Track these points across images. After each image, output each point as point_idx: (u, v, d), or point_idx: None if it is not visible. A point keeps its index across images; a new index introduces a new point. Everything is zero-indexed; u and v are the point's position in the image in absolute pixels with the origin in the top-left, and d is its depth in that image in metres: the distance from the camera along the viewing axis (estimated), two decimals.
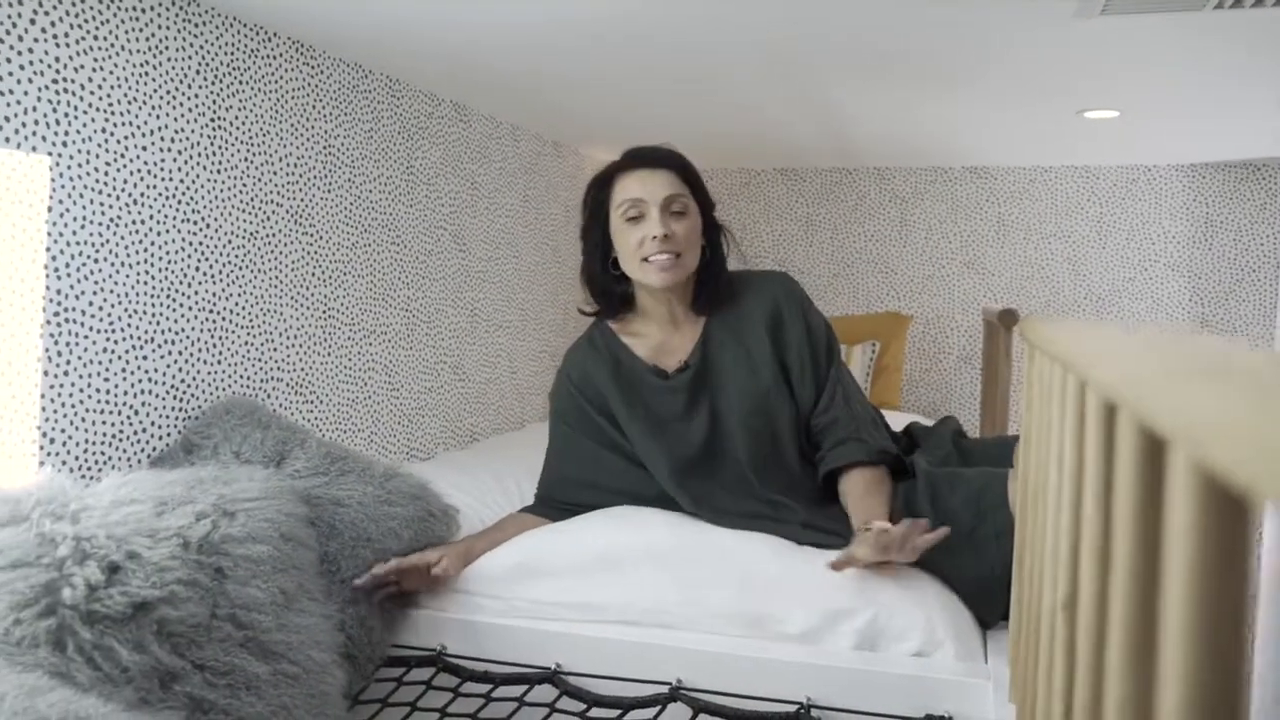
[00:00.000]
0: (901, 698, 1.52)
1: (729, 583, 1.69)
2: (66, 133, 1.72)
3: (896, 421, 2.32)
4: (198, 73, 2.01)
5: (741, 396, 1.91)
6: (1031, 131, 3.49)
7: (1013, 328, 3.01)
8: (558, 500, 2.03)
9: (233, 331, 2.12)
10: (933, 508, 1.77)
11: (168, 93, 1.94)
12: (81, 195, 1.75)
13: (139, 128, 1.87)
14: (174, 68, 1.95)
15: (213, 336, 2.06)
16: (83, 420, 1.77)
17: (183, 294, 1.98)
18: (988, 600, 1.71)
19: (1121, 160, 4.20)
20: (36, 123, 1.66)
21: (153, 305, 1.91)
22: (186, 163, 1.99)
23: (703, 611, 1.68)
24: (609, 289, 1.97)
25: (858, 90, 2.84)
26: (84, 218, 1.76)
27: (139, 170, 1.87)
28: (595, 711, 1.58)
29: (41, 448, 1.69)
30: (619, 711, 1.56)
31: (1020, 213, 4.41)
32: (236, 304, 2.13)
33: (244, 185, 2.15)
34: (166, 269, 1.94)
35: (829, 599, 1.65)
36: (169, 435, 1.95)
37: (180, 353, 1.98)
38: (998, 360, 3.20)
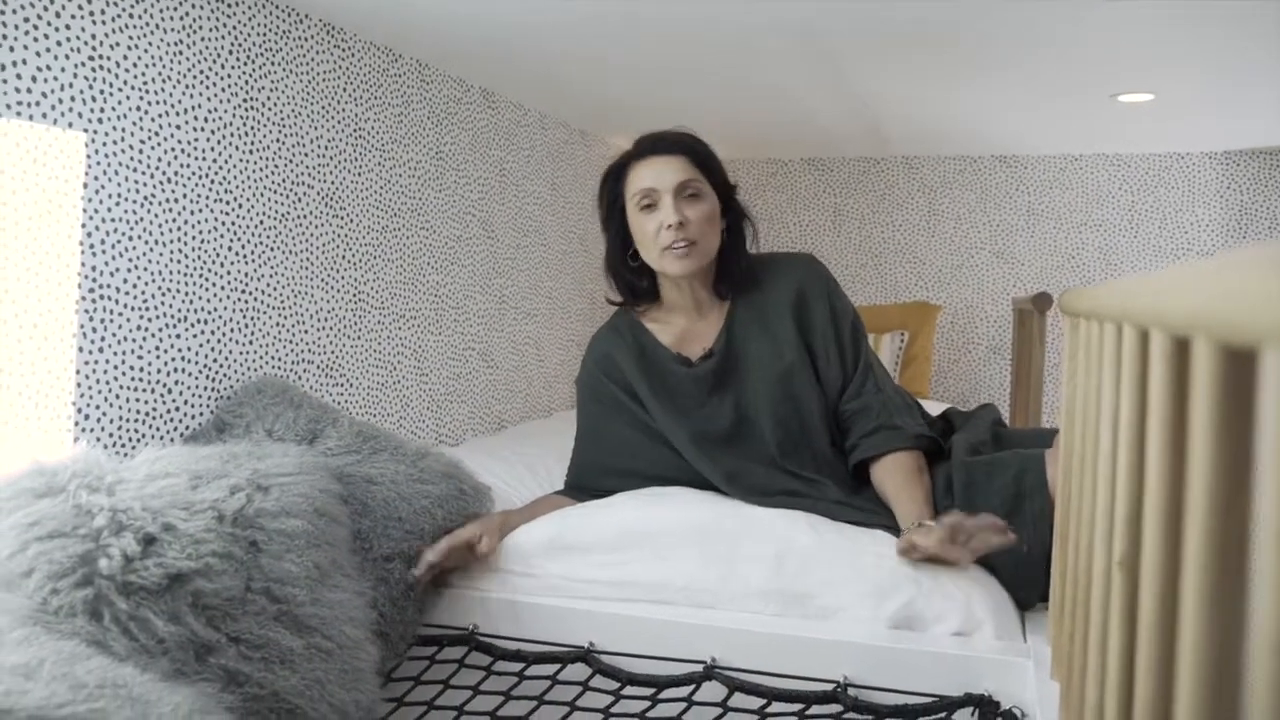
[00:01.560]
0: (940, 677, 1.50)
1: (765, 560, 1.67)
2: (102, 109, 1.72)
3: (930, 410, 2.29)
4: (230, 53, 2.01)
5: (766, 382, 1.88)
6: (1064, 117, 3.45)
7: (1047, 311, 2.98)
8: (588, 486, 2.02)
9: (264, 312, 2.12)
10: (968, 496, 1.75)
11: (201, 72, 1.94)
12: (116, 172, 1.76)
13: (172, 106, 1.87)
14: (207, 47, 1.95)
15: (244, 317, 2.07)
16: (116, 397, 1.77)
17: (215, 274, 1.99)
18: (1025, 582, 1.69)
19: (1154, 148, 4.16)
20: (73, 99, 1.67)
21: (185, 284, 1.91)
22: (219, 142, 1.99)
23: (738, 589, 1.67)
24: (632, 280, 1.95)
25: (888, 75, 2.82)
26: (118, 195, 1.76)
27: (172, 149, 1.88)
28: (629, 690, 1.56)
29: (76, 423, 1.70)
30: (653, 690, 1.55)
31: (1050, 202, 4.37)
32: (268, 285, 2.13)
33: (275, 166, 2.15)
34: (199, 248, 1.94)
35: (866, 578, 1.63)
36: (201, 414, 1.95)
37: (212, 332, 1.98)
38: (1030, 347, 3.17)
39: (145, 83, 1.81)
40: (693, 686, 1.53)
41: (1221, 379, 0.49)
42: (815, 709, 1.40)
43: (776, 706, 1.47)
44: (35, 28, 1.59)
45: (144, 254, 1.82)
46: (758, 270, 1.96)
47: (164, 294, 1.87)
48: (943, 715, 1.41)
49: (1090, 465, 1.03)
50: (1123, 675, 0.78)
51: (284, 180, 2.18)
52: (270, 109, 2.13)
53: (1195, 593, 0.52)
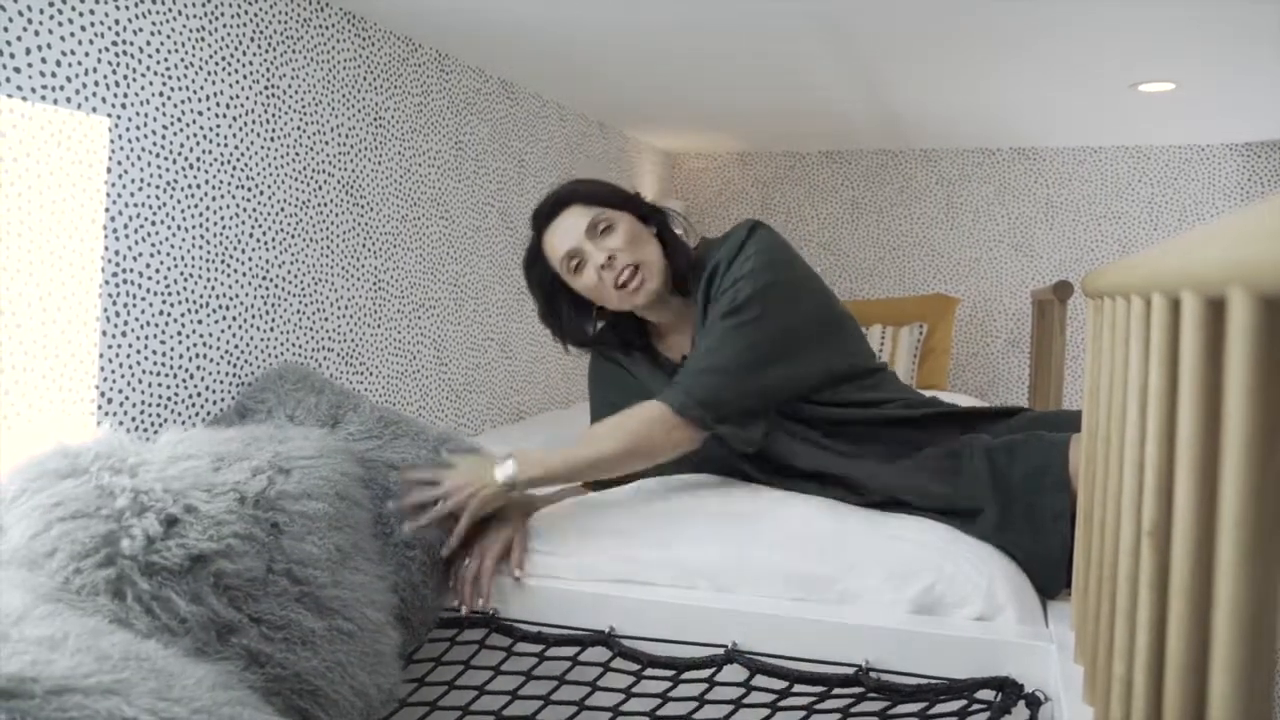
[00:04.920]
0: (962, 661, 1.49)
1: (785, 545, 1.67)
2: (125, 95, 1.73)
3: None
4: (252, 40, 2.02)
5: None
6: (1084, 108, 3.43)
7: (1067, 300, 2.96)
8: None
9: (285, 300, 2.13)
10: (993, 480, 1.73)
11: (223, 59, 1.95)
12: (140, 158, 1.77)
13: (195, 92, 1.88)
14: (229, 34, 1.96)
15: (265, 304, 2.07)
16: (139, 381, 1.78)
17: (237, 260, 1.99)
18: (1047, 574, 1.68)
19: (1174, 140, 4.13)
20: (97, 84, 1.68)
21: (207, 270, 1.92)
22: (240, 129, 2.00)
23: (759, 573, 1.66)
24: (609, 336, 1.94)
25: (906, 66, 2.81)
26: (142, 180, 1.77)
27: (195, 135, 1.88)
28: (650, 672, 1.56)
29: (99, 407, 1.71)
30: (674, 672, 1.55)
31: (1069, 194, 4.35)
32: (289, 272, 2.14)
33: (296, 154, 2.16)
34: (221, 234, 1.95)
35: (887, 562, 1.62)
36: (222, 399, 1.96)
37: (234, 319, 1.99)
38: (1051, 338, 3.15)
39: (168, 69, 1.82)
40: (714, 669, 1.53)
41: (1258, 329, 0.49)
42: (837, 691, 1.39)
43: (798, 689, 1.46)
44: (60, 12, 1.60)
45: (166, 239, 1.83)
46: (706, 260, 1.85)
47: (186, 280, 1.88)
48: (964, 696, 1.40)
49: (1116, 442, 1.03)
50: (1153, 646, 0.77)
51: (305, 168, 2.18)
52: (291, 97, 2.14)
53: (1231, 546, 0.51)
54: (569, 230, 1.78)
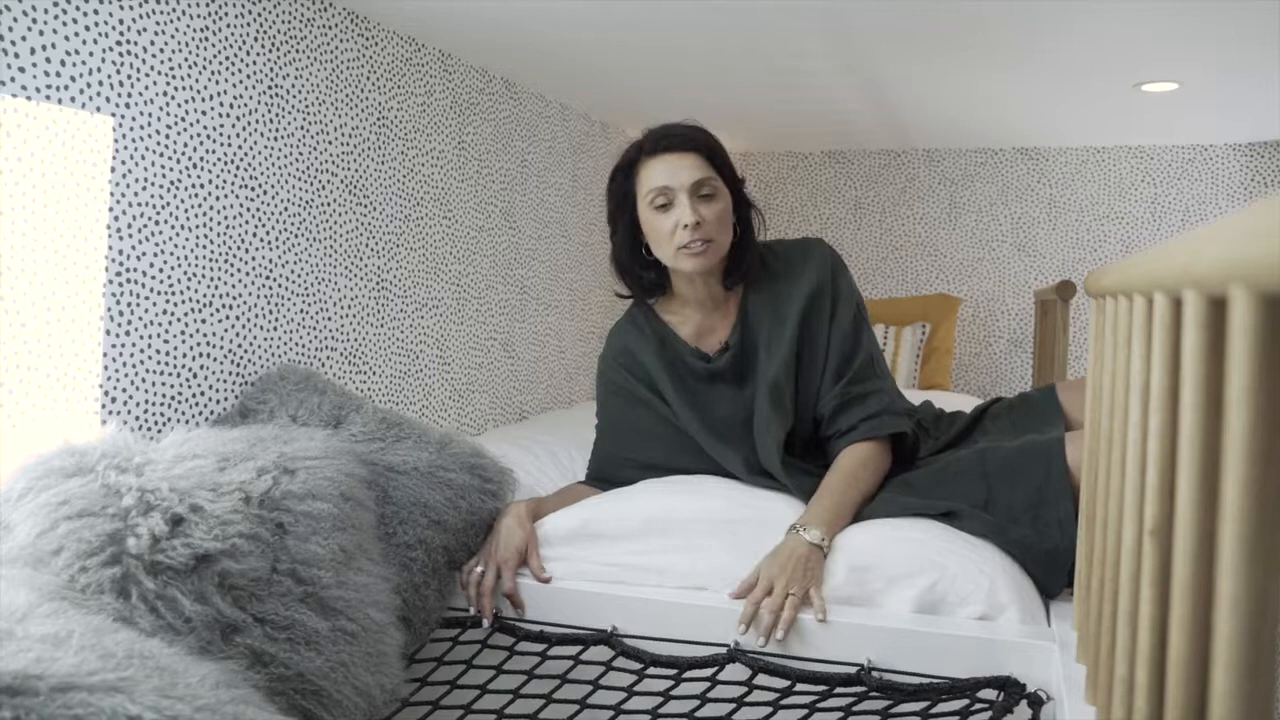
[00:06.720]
0: (964, 660, 1.50)
1: None
2: (129, 94, 1.74)
3: (948, 403, 2.29)
4: (255, 40, 2.02)
5: (774, 375, 1.88)
6: (1087, 107, 3.43)
7: (1070, 300, 2.96)
8: (609, 477, 2.02)
9: (288, 299, 2.13)
10: (992, 496, 1.74)
11: (226, 59, 1.95)
12: (143, 157, 1.77)
13: (199, 92, 1.89)
14: (232, 34, 1.96)
15: (269, 303, 2.08)
16: (143, 380, 1.78)
17: (240, 259, 2.00)
18: (1050, 572, 1.68)
19: (1177, 140, 4.13)
20: (101, 84, 1.68)
21: (211, 269, 1.93)
22: (244, 129, 2.00)
23: None
24: (642, 274, 1.95)
25: (911, 66, 2.81)
26: (145, 179, 1.78)
27: (198, 135, 1.89)
28: (652, 671, 1.57)
29: (104, 406, 1.71)
30: (675, 671, 1.55)
31: (1073, 194, 4.35)
32: (292, 271, 2.14)
33: (300, 154, 2.16)
34: (224, 234, 1.96)
35: (889, 564, 1.62)
36: (226, 399, 1.97)
37: (237, 318, 1.99)
38: (1054, 337, 3.16)
39: (172, 68, 1.82)
40: (716, 668, 1.54)
41: (1259, 327, 0.49)
42: (839, 690, 1.40)
43: (800, 688, 1.46)
44: (64, 12, 1.61)
45: (170, 239, 1.83)
46: (768, 259, 1.96)
47: (189, 279, 1.88)
48: (967, 696, 1.41)
49: (1119, 442, 1.03)
50: (1154, 644, 0.77)
51: (308, 168, 2.19)
52: (295, 96, 2.14)
53: (1233, 545, 0.51)
54: (677, 172, 1.81)
